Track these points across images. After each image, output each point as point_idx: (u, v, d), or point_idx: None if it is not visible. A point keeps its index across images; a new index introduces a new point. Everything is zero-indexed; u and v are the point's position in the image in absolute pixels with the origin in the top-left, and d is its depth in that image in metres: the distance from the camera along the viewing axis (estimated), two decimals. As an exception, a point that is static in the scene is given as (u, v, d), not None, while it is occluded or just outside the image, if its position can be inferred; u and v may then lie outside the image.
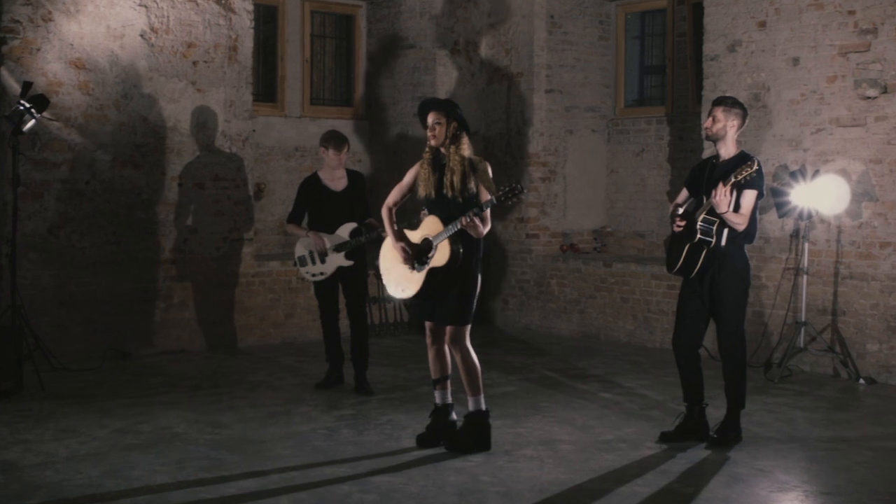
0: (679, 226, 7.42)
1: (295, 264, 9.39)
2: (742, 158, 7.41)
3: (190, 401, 8.80)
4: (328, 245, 9.12)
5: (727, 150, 7.51)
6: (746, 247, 7.56)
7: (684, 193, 7.76)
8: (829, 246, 10.08)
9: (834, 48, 9.95)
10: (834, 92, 9.98)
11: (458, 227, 7.04)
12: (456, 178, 7.14)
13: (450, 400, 7.53)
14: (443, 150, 7.23)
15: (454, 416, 7.53)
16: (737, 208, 7.29)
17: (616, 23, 13.28)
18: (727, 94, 7.90)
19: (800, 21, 10.19)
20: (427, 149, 7.32)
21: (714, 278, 7.45)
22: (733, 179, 7.11)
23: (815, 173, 9.81)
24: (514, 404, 8.72)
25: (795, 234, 10.21)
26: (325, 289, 9.32)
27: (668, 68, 12.75)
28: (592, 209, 13.34)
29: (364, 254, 9.35)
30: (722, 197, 7.13)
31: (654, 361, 10.76)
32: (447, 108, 7.25)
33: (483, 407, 7.37)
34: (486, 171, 7.20)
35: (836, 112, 9.97)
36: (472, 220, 7.00)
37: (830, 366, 10.08)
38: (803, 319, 9.97)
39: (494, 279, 13.12)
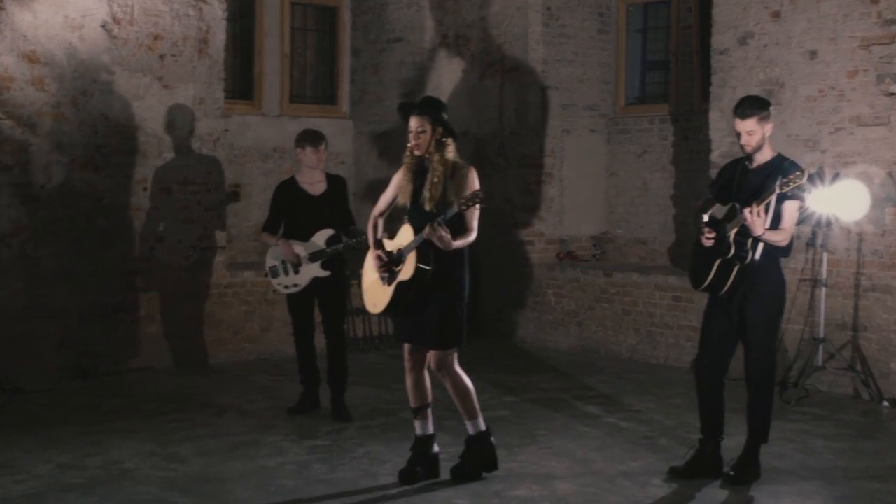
0: (709, 238, 6.63)
1: (266, 275, 8.62)
2: (779, 163, 6.65)
3: (148, 428, 7.99)
4: (302, 254, 8.33)
5: (762, 154, 6.70)
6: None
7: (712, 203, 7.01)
8: (849, 255, 9.36)
9: (855, 40, 9.22)
10: (855, 88, 9.25)
11: (423, 238, 6.41)
12: (436, 188, 6.48)
13: (431, 430, 6.86)
14: (426, 155, 6.56)
15: (436, 448, 6.88)
16: (776, 221, 6.53)
17: (617, 15, 12.60)
18: (747, 96, 7.04)
19: (818, 11, 9.47)
20: (408, 153, 6.63)
21: (746, 295, 6.66)
22: (778, 191, 6.31)
23: (836, 176, 9.05)
24: (506, 431, 7.89)
25: (812, 243, 9.47)
26: (299, 303, 8.53)
27: (672, 63, 12.08)
28: (591, 214, 12.63)
29: (343, 264, 8.58)
30: (755, 218, 6.33)
31: (659, 380, 10.02)
32: (431, 112, 6.55)
33: (483, 427, 6.77)
34: (466, 178, 6.52)
35: (857, 110, 9.24)
36: (435, 229, 6.31)
37: (850, 386, 9.34)
38: (821, 335, 9.24)
39: (486, 289, 12.35)
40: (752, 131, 6.61)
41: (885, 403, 8.95)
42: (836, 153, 9.38)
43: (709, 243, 6.63)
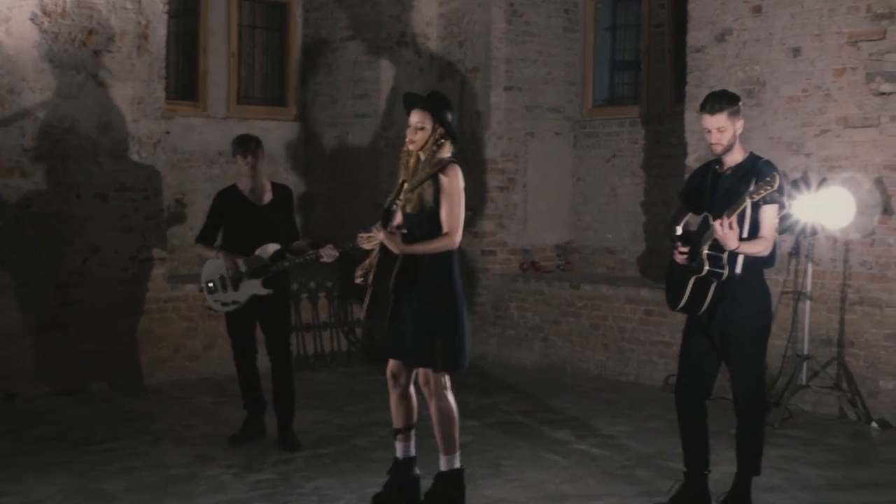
0: (682, 253, 6.00)
1: (201, 290, 7.91)
2: (752, 163, 6.03)
3: (75, 460, 7.26)
4: (243, 269, 7.61)
5: (733, 156, 6.08)
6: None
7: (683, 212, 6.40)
8: (834, 266, 8.88)
9: (842, 36, 8.76)
10: (842, 87, 8.78)
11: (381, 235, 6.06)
12: (418, 189, 6.01)
13: (413, 452, 6.32)
14: (421, 154, 6.07)
15: (417, 471, 6.35)
16: (754, 229, 5.90)
17: (584, 12, 12.14)
18: (713, 91, 6.48)
19: (801, 5, 9.00)
20: (404, 150, 6.17)
21: (728, 313, 6.02)
22: (750, 200, 5.68)
23: (823, 181, 8.53)
24: (470, 461, 7.13)
25: (796, 253, 8.97)
26: (238, 322, 7.83)
27: (644, 63, 11.63)
28: (556, 222, 12.13)
29: (288, 281, 7.92)
30: (727, 231, 5.70)
31: (631, 400, 9.43)
32: (434, 109, 6.06)
33: (457, 465, 6.22)
34: (438, 179, 5.99)
35: (845, 110, 8.77)
36: (380, 229, 6.01)
37: (836, 405, 8.84)
38: (805, 352, 8.74)
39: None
40: (722, 128, 6.00)
41: (874, 425, 8.44)
42: (821, 157, 8.92)
43: (682, 259, 6.02)
